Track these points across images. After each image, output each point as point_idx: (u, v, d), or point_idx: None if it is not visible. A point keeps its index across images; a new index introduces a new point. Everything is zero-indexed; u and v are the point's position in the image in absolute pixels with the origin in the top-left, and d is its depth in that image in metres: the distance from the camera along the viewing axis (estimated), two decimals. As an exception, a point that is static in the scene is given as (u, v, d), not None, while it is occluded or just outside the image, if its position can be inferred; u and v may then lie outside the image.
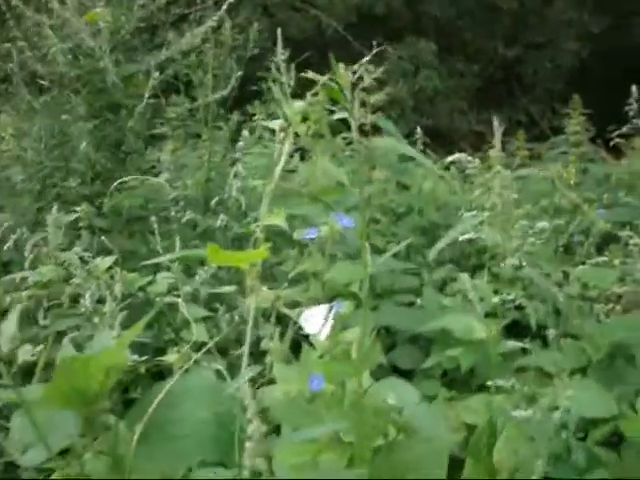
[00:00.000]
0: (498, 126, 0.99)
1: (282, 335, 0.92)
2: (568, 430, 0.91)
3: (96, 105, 2.19)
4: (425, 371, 1.68)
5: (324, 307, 0.94)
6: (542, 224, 1.43)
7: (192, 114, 2.55)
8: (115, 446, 0.84)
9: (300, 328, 0.93)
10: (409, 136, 2.99)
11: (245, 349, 0.88)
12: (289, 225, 0.91)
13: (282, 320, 0.94)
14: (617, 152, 3.00)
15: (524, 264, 1.07)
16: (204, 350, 1.18)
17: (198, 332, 1.50)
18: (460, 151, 3.77)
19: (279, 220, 0.88)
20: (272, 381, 0.94)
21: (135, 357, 1.28)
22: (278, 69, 0.93)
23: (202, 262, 1.94)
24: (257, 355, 0.97)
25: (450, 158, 1.50)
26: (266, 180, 0.89)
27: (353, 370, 0.86)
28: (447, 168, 3.32)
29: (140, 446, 0.82)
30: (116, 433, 0.86)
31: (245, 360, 0.87)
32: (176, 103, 2.66)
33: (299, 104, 0.92)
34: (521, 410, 0.97)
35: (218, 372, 1.10)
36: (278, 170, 0.90)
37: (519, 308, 1.99)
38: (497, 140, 1.19)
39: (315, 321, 0.93)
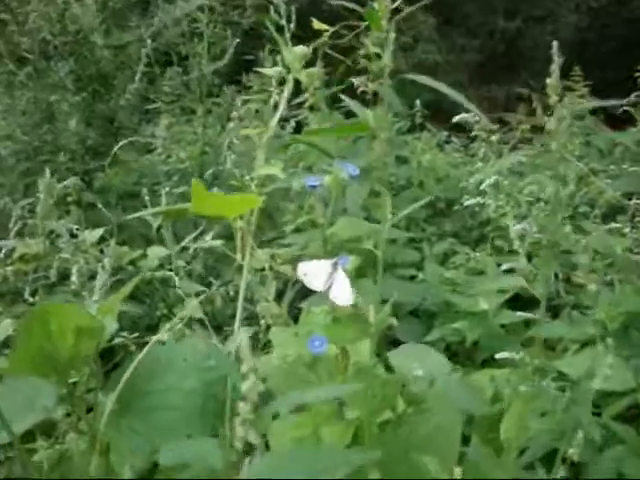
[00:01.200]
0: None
1: (280, 297, 0.85)
2: (580, 405, 0.86)
3: (84, 77, 2.11)
4: (428, 344, 1.62)
5: (325, 262, 0.85)
6: (550, 189, 1.37)
7: (186, 86, 2.47)
8: (94, 420, 0.77)
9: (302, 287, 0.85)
10: (408, 110, 2.93)
11: (238, 310, 0.81)
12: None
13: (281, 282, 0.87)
14: (617, 125, 2.95)
15: (534, 229, 1.01)
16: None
17: (191, 307, 1.45)
18: (459, 126, 3.70)
19: (275, 170, 0.82)
20: (268, 348, 0.87)
21: (124, 334, 1.23)
22: (277, 11, 0.87)
23: (196, 237, 1.88)
24: (253, 321, 0.90)
25: (456, 118, 1.43)
26: (261, 129, 0.83)
27: (362, 333, 0.77)
28: (447, 142, 3.27)
29: (119, 419, 0.75)
30: (95, 405, 0.78)
31: (238, 320, 0.81)
32: (171, 77, 2.58)
33: (300, 49, 0.85)
34: (531, 384, 0.91)
35: (210, 344, 1.03)
36: (276, 118, 0.83)
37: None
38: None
39: (316, 276, 0.83)
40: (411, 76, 0.80)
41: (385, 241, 0.80)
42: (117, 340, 1.27)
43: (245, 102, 2.09)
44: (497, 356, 1.05)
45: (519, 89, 6.85)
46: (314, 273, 0.81)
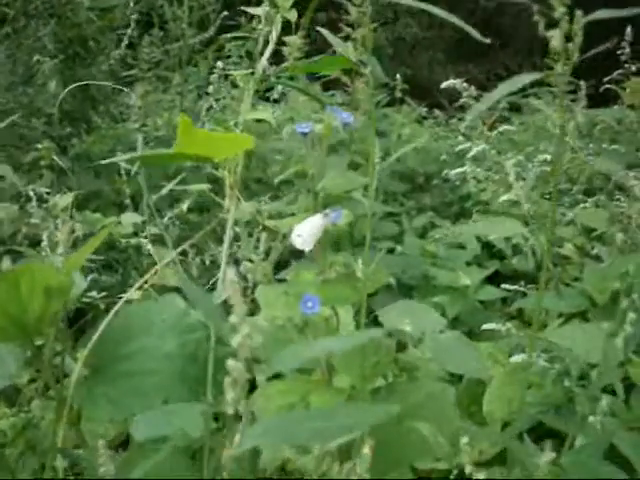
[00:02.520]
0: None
1: (266, 255, 0.80)
2: (570, 377, 0.84)
3: (65, 39, 2.03)
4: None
5: (318, 217, 0.80)
6: (543, 156, 1.34)
7: (166, 51, 2.40)
8: (61, 386, 0.72)
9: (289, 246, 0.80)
10: (387, 84, 2.89)
11: (223, 264, 0.77)
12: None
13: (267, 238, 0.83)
14: (593, 105, 2.94)
15: (522, 200, 0.98)
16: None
17: (166, 275, 1.41)
18: (437, 104, 3.67)
19: (265, 114, 0.77)
20: (253, 309, 0.82)
21: (93, 293, 1.18)
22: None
23: (171, 204, 1.84)
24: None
25: (444, 84, 1.40)
26: (248, 72, 0.78)
27: (355, 292, 0.73)
28: (425, 117, 3.24)
29: (90, 385, 0.70)
30: (62, 369, 0.72)
31: (221, 277, 0.77)
32: (151, 41, 2.50)
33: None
34: (517, 356, 0.89)
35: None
36: (265, 56, 0.79)
37: (503, 258, 1.92)
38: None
39: (308, 236, 0.78)
40: (410, 2, 0.76)
41: (373, 194, 0.76)
42: (86, 300, 1.22)
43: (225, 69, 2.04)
44: (483, 327, 1.03)
45: (498, 68, 6.85)
46: (309, 234, 0.77)
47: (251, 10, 0.86)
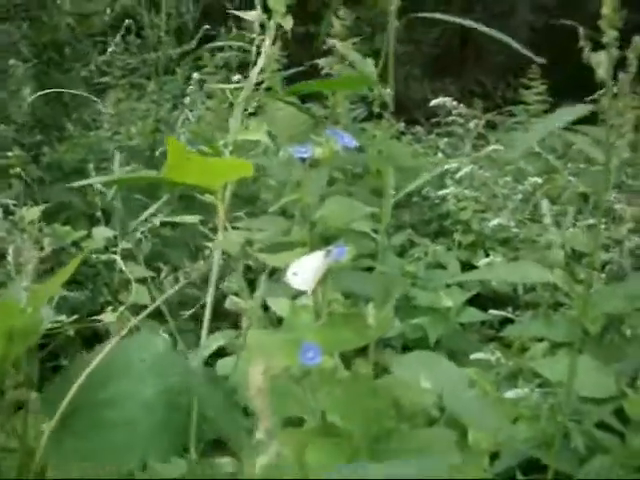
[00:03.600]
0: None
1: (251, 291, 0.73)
2: (563, 411, 0.80)
3: (40, 43, 1.96)
4: (385, 341, 1.56)
5: (319, 255, 0.71)
6: (534, 179, 1.32)
7: (143, 59, 2.34)
8: (24, 437, 0.63)
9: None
10: (365, 98, 2.87)
11: (208, 302, 0.71)
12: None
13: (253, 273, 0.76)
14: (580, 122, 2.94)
15: (512, 224, 0.95)
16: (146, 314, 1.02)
17: (138, 293, 1.35)
18: (414, 120, 3.65)
19: (259, 134, 0.72)
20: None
21: (62, 317, 1.11)
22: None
23: (146, 219, 1.78)
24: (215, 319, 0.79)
25: (434, 102, 1.37)
26: (238, 87, 0.73)
27: (359, 336, 0.66)
28: (403, 133, 3.22)
29: (59, 437, 0.61)
30: (25, 419, 0.62)
31: (207, 317, 0.71)
32: (127, 48, 2.43)
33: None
34: (509, 388, 0.85)
35: (169, 337, 0.93)
36: (257, 67, 0.74)
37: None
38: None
39: (307, 274, 0.69)
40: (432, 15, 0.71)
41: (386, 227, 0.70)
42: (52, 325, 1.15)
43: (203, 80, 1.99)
44: (472, 357, 0.99)
45: (473, 85, 6.89)
46: (308, 272, 0.71)
47: (242, 14, 0.80)
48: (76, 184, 0.75)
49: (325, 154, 0.72)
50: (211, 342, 0.65)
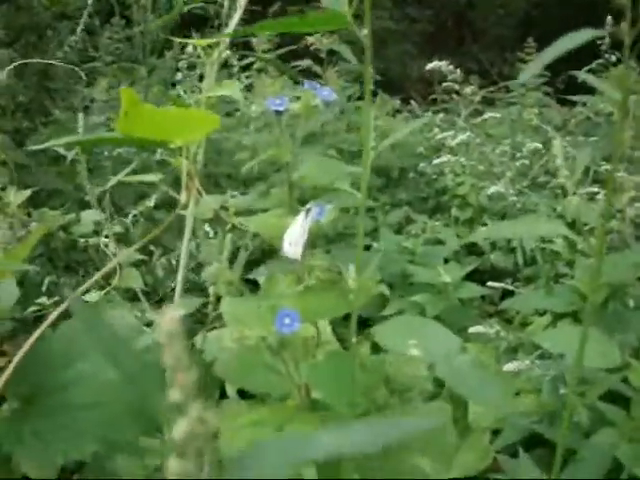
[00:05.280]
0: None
1: (232, 260, 0.69)
2: (565, 384, 0.77)
3: (16, 26, 1.91)
4: (384, 318, 1.53)
5: (301, 217, 0.67)
6: (532, 145, 1.28)
7: (129, 40, 2.29)
8: None
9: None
10: (359, 77, 2.82)
11: (180, 274, 0.68)
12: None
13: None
14: (562, 100, 2.91)
15: (511, 191, 0.92)
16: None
17: (130, 276, 1.32)
18: (410, 98, 3.60)
19: (231, 90, 0.68)
20: (218, 322, 0.72)
21: (43, 299, 1.08)
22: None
23: (135, 201, 1.75)
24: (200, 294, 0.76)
25: (429, 66, 1.33)
26: (211, 41, 0.69)
27: (340, 303, 0.63)
28: (399, 111, 3.18)
29: (20, 422, 0.57)
30: None
31: (178, 291, 0.68)
32: (113, 31, 2.38)
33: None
34: (510, 364, 0.82)
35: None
36: (233, 22, 0.70)
37: (482, 254, 1.86)
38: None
39: (300, 242, 0.65)
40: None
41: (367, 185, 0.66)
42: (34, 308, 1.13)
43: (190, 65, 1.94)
44: (471, 330, 0.96)
45: (469, 62, 6.84)
46: (300, 239, 0.67)
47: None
48: (33, 148, 0.71)
49: (303, 107, 0.68)
50: (173, 310, 0.62)
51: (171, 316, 0.28)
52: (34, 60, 1.75)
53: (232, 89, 0.68)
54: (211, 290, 0.68)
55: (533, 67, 0.49)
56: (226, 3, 0.78)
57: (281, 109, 0.69)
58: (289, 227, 0.67)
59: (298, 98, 0.71)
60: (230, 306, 0.64)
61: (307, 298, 0.63)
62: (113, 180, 1.04)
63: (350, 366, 0.58)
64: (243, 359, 0.63)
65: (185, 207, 0.69)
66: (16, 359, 0.54)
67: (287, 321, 0.58)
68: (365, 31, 0.57)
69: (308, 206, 0.68)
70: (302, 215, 0.68)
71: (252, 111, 0.71)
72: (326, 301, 0.63)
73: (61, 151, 2.04)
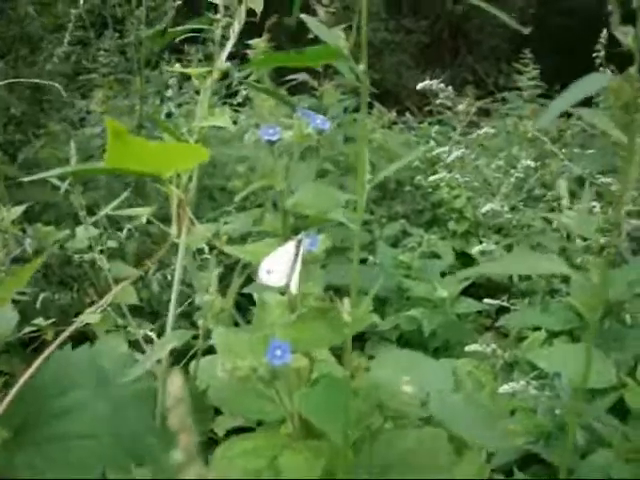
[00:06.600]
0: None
1: (225, 287, 0.69)
2: (561, 404, 0.77)
3: (7, 38, 1.90)
4: (380, 334, 1.52)
5: (290, 246, 0.67)
6: (526, 162, 1.27)
7: (122, 53, 2.28)
8: None
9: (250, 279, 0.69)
10: (356, 89, 2.83)
11: (172, 305, 0.68)
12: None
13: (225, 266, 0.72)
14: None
15: (505, 208, 0.91)
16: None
17: (125, 292, 1.31)
18: (406, 109, 3.61)
19: (222, 121, 0.68)
20: (210, 352, 0.71)
21: (39, 320, 1.07)
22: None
23: (131, 216, 1.74)
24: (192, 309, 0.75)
25: (420, 85, 1.33)
26: (205, 69, 0.69)
27: (334, 333, 0.61)
28: (395, 122, 3.18)
29: (13, 452, 0.56)
30: None
31: (170, 320, 0.68)
32: (106, 43, 2.37)
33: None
34: (506, 379, 0.81)
35: (145, 338, 0.89)
36: (225, 52, 0.70)
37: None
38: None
39: (281, 270, 0.65)
40: None
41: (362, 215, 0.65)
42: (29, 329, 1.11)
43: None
44: (467, 349, 0.95)
45: (465, 73, 6.86)
46: (281, 266, 0.66)
47: (213, -1, 0.77)
48: (27, 179, 0.71)
49: (296, 137, 0.68)
50: (164, 343, 0.61)
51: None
52: (31, 80, 1.74)
53: (223, 120, 0.68)
54: (200, 323, 0.67)
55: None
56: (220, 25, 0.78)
57: (274, 139, 0.68)
58: (271, 255, 0.66)
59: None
60: (221, 336, 0.64)
61: (300, 328, 0.62)
62: (103, 211, 1.03)
63: (344, 394, 0.58)
64: (236, 388, 0.62)
65: (177, 236, 0.68)
66: (13, 391, 0.53)
67: (278, 353, 0.58)
68: (362, 66, 0.57)
69: (299, 237, 0.67)
70: (290, 244, 0.67)
71: (245, 139, 0.70)
72: (319, 331, 0.62)
73: (53, 164, 2.03)
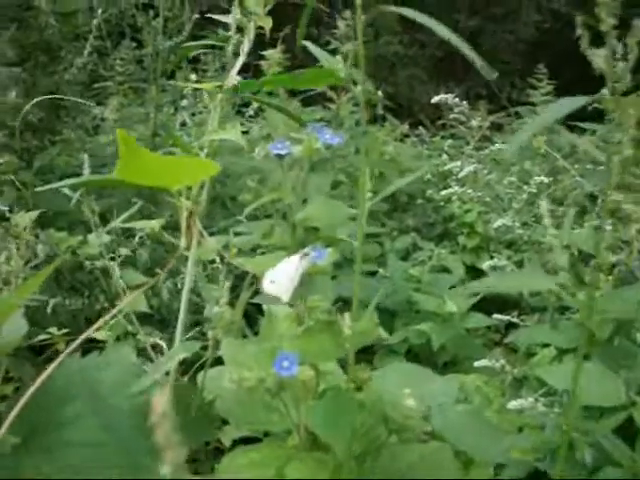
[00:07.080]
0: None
1: (234, 298, 0.70)
2: (569, 421, 0.76)
3: (27, 46, 1.92)
4: (389, 347, 1.52)
5: (295, 259, 0.68)
6: (540, 178, 1.27)
7: (139, 63, 2.30)
8: None
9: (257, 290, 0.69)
10: (369, 101, 2.84)
11: (181, 316, 0.69)
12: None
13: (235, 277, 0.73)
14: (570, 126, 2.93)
15: (516, 225, 0.92)
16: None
17: (136, 300, 1.32)
18: (419, 123, 3.62)
19: (233, 134, 0.68)
20: (218, 362, 0.71)
21: (53, 329, 1.08)
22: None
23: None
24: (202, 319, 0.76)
25: (435, 99, 1.33)
26: (216, 84, 0.70)
27: (342, 348, 0.62)
28: (407, 135, 3.18)
29: (21, 457, 0.57)
30: None
31: (179, 330, 0.68)
32: (123, 53, 2.40)
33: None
34: (514, 395, 0.81)
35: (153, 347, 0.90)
36: (235, 68, 0.71)
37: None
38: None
39: (284, 281, 0.66)
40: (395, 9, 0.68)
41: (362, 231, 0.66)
42: (42, 337, 1.12)
43: (199, 81, 1.95)
44: (476, 364, 0.95)
45: (478, 87, 6.86)
46: (285, 278, 0.67)
47: (220, 17, 0.77)
48: (39, 189, 0.72)
49: (305, 151, 0.68)
50: (173, 354, 0.62)
51: (161, 399, 0.29)
52: (50, 90, 1.75)
53: (234, 134, 0.68)
54: (210, 333, 0.68)
55: (518, 138, 0.49)
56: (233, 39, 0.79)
57: (283, 153, 0.69)
58: (275, 266, 0.67)
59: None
60: (229, 348, 0.64)
61: (307, 340, 0.62)
62: (115, 222, 1.04)
63: (349, 407, 0.58)
64: (243, 398, 0.62)
65: (187, 248, 0.69)
66: (23, 399, 0.54)
67: (285, 364, 0.58)
68: (359, 87, 0.59)
69: (306, 250, 0.68)
70: (295, 257, 0.68)
71: (256, 154, 0.71)
72: (326, 343, 0.62)
73: (68, 171, 2.04)
